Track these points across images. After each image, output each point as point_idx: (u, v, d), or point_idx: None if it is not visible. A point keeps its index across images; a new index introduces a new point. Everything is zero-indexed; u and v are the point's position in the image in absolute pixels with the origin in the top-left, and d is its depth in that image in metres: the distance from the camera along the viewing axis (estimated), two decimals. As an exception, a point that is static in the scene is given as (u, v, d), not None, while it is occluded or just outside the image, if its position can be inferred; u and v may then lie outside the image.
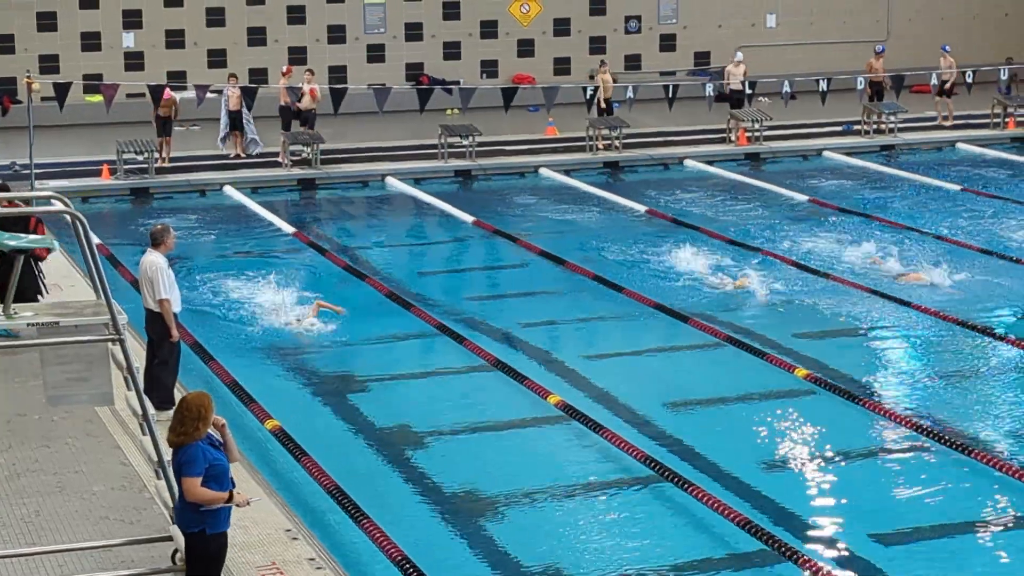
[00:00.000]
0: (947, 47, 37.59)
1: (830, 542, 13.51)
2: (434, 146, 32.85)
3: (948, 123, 36.67)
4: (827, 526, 13.91)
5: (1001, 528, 13.88)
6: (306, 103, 32.53)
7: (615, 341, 20.49)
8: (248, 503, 11.08)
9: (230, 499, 10.63)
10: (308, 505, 14.13)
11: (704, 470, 15.15)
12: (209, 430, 10.66)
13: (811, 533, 13.72)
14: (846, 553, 13.25)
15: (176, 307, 15.79)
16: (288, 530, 12.84)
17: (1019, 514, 14.18)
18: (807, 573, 12.63)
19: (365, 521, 13.41)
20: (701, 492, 14.21)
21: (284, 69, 33.61)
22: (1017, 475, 14.73)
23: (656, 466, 14.94)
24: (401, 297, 21.90)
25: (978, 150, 35.01)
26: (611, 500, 14.62)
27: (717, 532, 13.61)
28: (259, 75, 38.17)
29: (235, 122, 32.46)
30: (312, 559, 12.28)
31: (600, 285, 22.63)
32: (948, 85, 36.80)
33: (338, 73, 39.25)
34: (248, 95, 32.11)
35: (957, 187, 30.27)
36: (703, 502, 14.02)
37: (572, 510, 14.37)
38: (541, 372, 18.40)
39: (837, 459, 15.72)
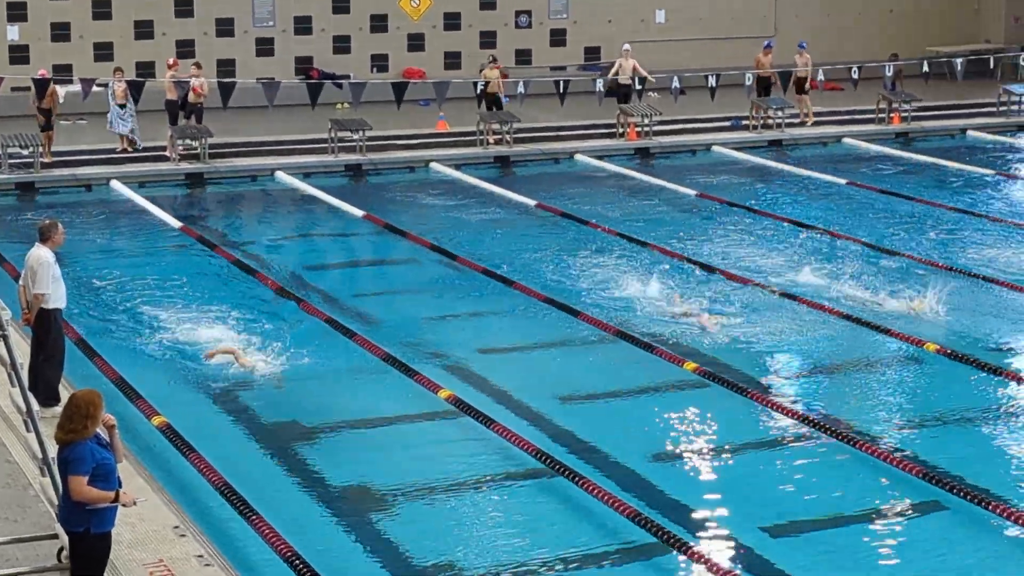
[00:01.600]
0: (804, 44, 37.75)
1: (720, 534, 13.61)
2: (324, 140, 32.66)
3: (810, 120, 36.78)
4: (717, 518, 14.00)
5: (889, 520, 14.04)
6: (193, 97, 32.19)
7: (506, 335, 20.49)
8: (134, 503, 10.97)
9: (116, 499, 10.51)
10: (196, 502, 13.99)
11: (595, 463, 15.20)
12: (97, 429, 10.53)
13: (701, 525, 13.81)
14: (735, 545, 13.34)
15: (61, 303, 15.68)
16: (176, 527, 12.73)
17: (906, 505, 14.35)
18: (697, 565, 12.72)
19: (254, 517, 13.31)
20: (592, 485, 14.25)
21: (170, 61, 33.25)
22: (904, 467, 14.92)
23: (547, 460, 14.97)
24: (290, 292, 21.76)
25: (864, 145, 35.41)
26: (503, 494, 14.63)
27: (608, 525, 13.66)
28: (146, 68, 37.73)
29: (121, 115, 32.07)
30: (200, 556, 12.18)
31: (490, 279, 22.63)
32: (805, 82, 36.81)
33: (227, 67, 38.91)
34: (135, 88, 31.73)
35: (843, 181, 30.61)
36: (594, 495, 14.07)
37: (464, 505, 14.36)
38: (432, 367, 18.36)
39: (727, 452, 15.83)
